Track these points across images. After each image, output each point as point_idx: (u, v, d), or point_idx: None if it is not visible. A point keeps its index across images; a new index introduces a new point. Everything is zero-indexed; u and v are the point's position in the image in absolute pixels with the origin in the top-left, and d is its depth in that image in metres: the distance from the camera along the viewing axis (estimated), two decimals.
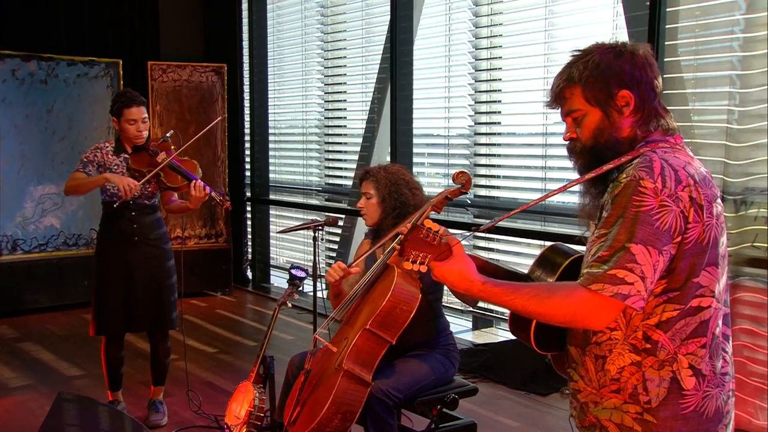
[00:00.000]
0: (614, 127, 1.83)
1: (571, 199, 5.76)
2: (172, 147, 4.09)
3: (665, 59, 4.40)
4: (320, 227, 3.61)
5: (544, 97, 5.52)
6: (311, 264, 3.85)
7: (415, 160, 6.41)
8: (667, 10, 4.34)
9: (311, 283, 8.10)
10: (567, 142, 1.91)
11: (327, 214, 7.32)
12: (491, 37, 5.94)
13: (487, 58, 6.00)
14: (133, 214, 4.04)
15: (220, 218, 7.47)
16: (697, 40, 4.31)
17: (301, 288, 8.16)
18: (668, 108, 1.89)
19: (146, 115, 4.03)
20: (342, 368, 2.91)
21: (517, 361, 4.96)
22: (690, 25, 4.39)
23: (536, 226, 5.65)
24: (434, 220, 3.08)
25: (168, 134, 4.13)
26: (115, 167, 4.01)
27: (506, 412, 4.32)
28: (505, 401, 4.50)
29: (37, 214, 6.81)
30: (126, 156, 4.02)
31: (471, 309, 5.99)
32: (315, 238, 3.73)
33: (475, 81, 6.07)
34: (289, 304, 3.95)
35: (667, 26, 4.34)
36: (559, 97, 1.88)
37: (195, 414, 4.27)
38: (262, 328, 6.48)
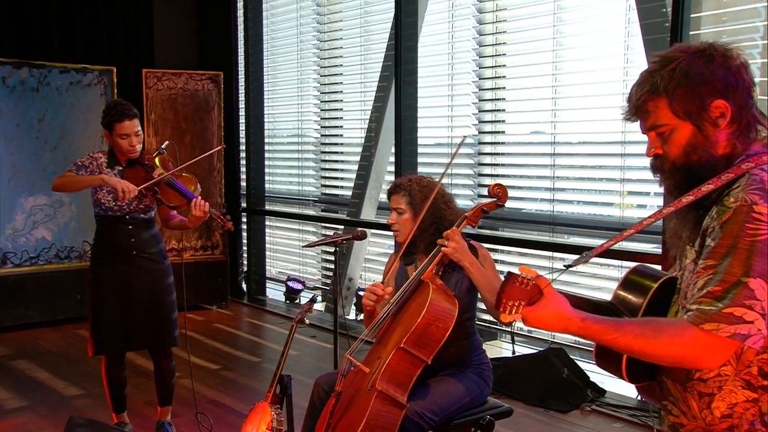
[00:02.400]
0: (709, 142, 1.64)
1: (580, 210, 5.66)
2: (170, 161, 3.91)
3: None
4: (343, 242, 3.46)
5: (552, 105, 5.55)
6: (308, 276, 3.68)
7: (420, 170, 6.27)
8: (691, 16, 4.25)
9: (307, 294, 7.96)
10: (650, 159, 1.74)
11: (324, 225, 7.18)
12: (496, 45, 5.84)
13: (492, 66, 5.90)
14: (130, 227, 3.84)
15: (216, 230, 7.28)
16: None
17: (297, 300, 8.04)
18: None
19: (139, 128, 3.80)
20: (376, 389, 2.75)
21: (532, 376, 4.83)
22: (711, 32, 4.31)
23: (545, 237, 5.54)
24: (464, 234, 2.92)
25: (163, 145, 3.92)
26: None
27: (528, 431, 4.18)
28: (525, 419, 4.35)
29: (28, 226, 6.58)
30: (120, 169, 3.83)
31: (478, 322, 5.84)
32: (336, 252, 3.58)
33: (479, 89, 5.96)
34: (307, 321, 3.80)
35: (691, 32, 4.25)
36: (640, 110, 1.69)
37: None
38: (263, 343, 6.31)
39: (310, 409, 3.17)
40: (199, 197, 3.77)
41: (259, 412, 3.64)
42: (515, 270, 1.68)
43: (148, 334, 3.90)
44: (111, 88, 6.95)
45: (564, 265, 1.73)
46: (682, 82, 1.63)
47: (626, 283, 1.81)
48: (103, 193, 3.81)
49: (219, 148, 3.96)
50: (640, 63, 4.92)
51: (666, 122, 1.67)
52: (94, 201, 3.86)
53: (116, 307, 3.84)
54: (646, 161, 5.15)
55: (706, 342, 1.53)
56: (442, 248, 2.91)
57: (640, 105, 1.69)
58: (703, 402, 1.65)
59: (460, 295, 2.97)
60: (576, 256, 1.78)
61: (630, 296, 1.78)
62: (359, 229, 3.52)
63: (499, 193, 3.00)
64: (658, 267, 4.46)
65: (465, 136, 3.09)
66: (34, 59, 6.63)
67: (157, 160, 3.85)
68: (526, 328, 5.63)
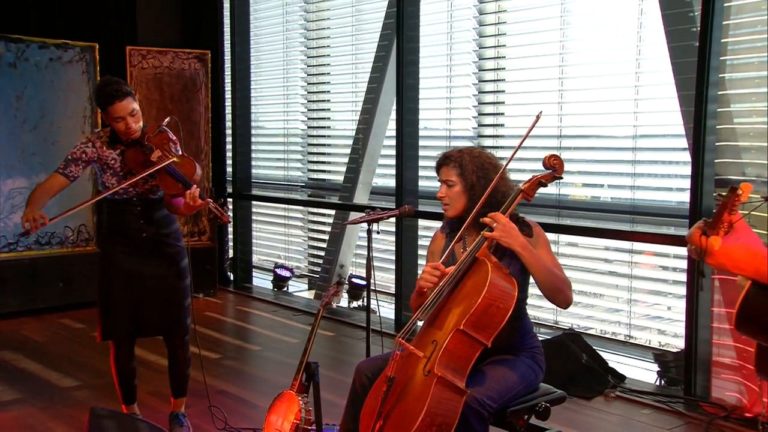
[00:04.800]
0: None
1: (590, 192, 5.54)
2: (170, 141, 3.60)
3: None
4: (378, 220, 3.26)
5: (558, 85, 5.39)
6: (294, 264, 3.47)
7: (421, 153, 6.08)
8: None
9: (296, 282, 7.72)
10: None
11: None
12: (498, 35, 5.69)
13: (493, 57, 5.74)
14: (139, 209, 3.58)
15: (203, 215, 6.99)
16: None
17: (285, 288, 7.81)
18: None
19: (134, 107, 3.47)
20: (435, 374, 2.56)
21: (552, 362, 4.66)
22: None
23: (551, 220, 5.41)
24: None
25: (165, 122, 3.61)
26: (112, 161, 3.54)
27: (556, 418, 4.00)
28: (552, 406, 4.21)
29: (7, 210, 6.23)
30: (122, 149, 3.55)
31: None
32: (370, 231, 3.37)
33: (479, 81, 5.80)
34: (334, 305, 3.60)
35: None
36: None
37: (221, 430, 3.85)
38: (259, 331, 6.07)
39: (352, 397, 2.97)
40: (195, 188, 3.52)
41: (285, 401, 3.45)
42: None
43: (159, 320, 3.66)
44: (93, 65, 6.61)
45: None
46: None
47: None
48: (107, 176, 3.56)
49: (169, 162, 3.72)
50: (653, 40, 4.80)
51: None
52: (100, 184, 3.62)
53: (126, 292, 3.59)
54: (658, 142, 4.99)
55: None
56: (488, 233, 2.72)
57: None
58: None
59: (514, 275, 2.79)
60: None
61: None
62: (406, 205, 3.31)
63: (556, 165, 2.83)
64: (683, 250, 4.32)
65: (541, 111, 2.89)
66: (9, 33, 6.26)
67: (157, 141, 3.56)
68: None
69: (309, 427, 3.31)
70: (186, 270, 3.73)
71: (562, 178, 2.85)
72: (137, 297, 3.61)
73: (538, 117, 2.81)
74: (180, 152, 3.59)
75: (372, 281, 3.39)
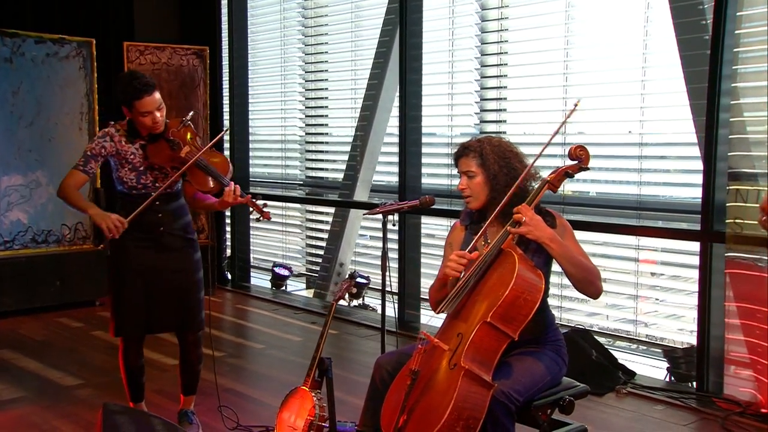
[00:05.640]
0: None
1: (592, 189, 5.51)
2: (197, 137, 3.52)
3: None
4: (396, 211, 3.20)
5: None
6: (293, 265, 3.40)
7: (424, 150, 6.02)
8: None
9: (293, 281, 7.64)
10: None
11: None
12: (501, 30, 5.65)
13: (496, 53, 5.70)
14: (158, 203, 3.48)
15: (202, 213, 6.91)
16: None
17: (283, 287, 7.73)
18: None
19: (161, 101, 3.39)
20: (462, 367, 2.51)
21: None
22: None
23: None
24: None
25: (189, 116, 3.50)
26: (131, 156, 3.43)
27: (572, 415, 3.99)
28: None
29: (2, 208, 6.11)
30: (142, 143, 3.46)
31: None
32: (385, 224, 3.31)
33: (482, 77, 5.75)
34: (346, 300, 3.54)
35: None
36: None
37: (232, 430, 3.78)
38: (261, 329, 5.99)
39: (372, 393, 2.91)
40: (233, 184, 3.46)
41: (298, 397, 3.38)
42: None
43: (174, 314, 3.59)
44: (90, 61, 6.50)
45: None
46: None
47: None
48: (125, 171, 3.46)
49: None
50: (660, 34, 4.77)
51: None
52: (116, 179, 3.50)
53: (140, 288, 3.51)
54: (665, 137, 4.96)
55: None
56: (518, 230, 2.66)
57: None
58: None
59: (538, 267, 2.74)
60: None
61: None
62: (426, 195, 3.24)
63: (582, 155, 2.78)
64: (696, 245, 4.28)
65: (579, 99, 2.83)
66: (6, 27, 6.15)
67: (188, 137, 3.48)
68: None
69: (323, 424, 3.24)
70: (199, 262, 3.67)
71: (588, 169, 2.80)
72: (151, 292, 3.54)
73: (575, 105, 2.77)
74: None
75: (387, 274, 3.32)
